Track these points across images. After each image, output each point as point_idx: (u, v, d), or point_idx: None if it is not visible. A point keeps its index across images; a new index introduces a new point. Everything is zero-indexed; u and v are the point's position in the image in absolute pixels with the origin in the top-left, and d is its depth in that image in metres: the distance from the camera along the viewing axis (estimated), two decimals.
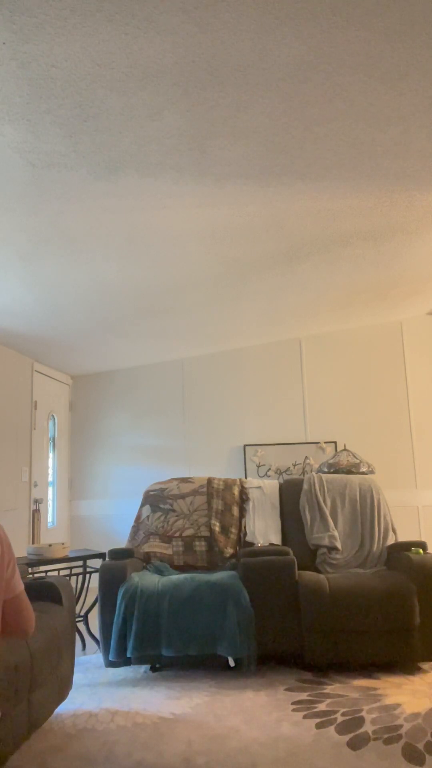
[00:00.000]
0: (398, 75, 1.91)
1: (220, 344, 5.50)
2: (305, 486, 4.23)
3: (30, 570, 3.83)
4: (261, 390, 5.49)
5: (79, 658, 3.62)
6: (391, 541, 4.03)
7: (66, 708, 2.87)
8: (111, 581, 3.43)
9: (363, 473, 4.59)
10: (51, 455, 5.56)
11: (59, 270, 3.29)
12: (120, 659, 3.27)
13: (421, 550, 3.66)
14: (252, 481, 4.42)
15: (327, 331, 5.54)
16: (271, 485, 4.35)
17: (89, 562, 4.15)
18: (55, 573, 4.03)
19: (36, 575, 3.97)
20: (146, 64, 1.76)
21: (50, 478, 5.51)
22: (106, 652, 3.33)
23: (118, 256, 3.19)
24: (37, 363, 5.23)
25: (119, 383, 5.87)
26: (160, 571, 3.75)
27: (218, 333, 5.15)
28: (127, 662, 3.29)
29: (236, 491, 4.27)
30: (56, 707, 2.72)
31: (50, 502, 5.47)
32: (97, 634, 3.68)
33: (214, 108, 1.99)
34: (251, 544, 3.96)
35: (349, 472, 4.59)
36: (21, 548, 4.70)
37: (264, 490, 4.30)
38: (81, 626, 4.12)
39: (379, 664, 3.32)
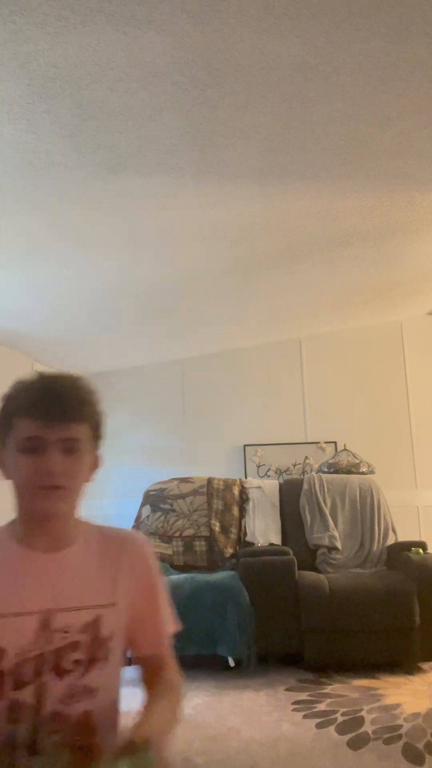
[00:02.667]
0: (398, 75, 1.91)
1: (220, 344, 5.49)
2: (305, 486, 4.23)
3: None
4: (261, 390, 5.48)
5: None
6: (391, 541, 4.03)
7: None
8: None
9: (363, 473, 4.59)
10: None
11: (59, 270, 3.28)
12: None
13: (421, 550, 3.66)
14: (252, 481, 4.42)
15: (327, 331, 5.53)
16: (271, 485, 4.35)
17: None
18: None
19: None
20: (146, 64, 1.76)
21: None
22: None
23: (118, 256, 3.19)
24: (37, 363, 5.23)
25: (119, 383, 5.86)
26: None
27: (218, 333, 5.14)
28: (127, 662, 3.29)
29: (236, 491, 4.27)
30: None
31: None
32: None
33: (214, 108, 1.99)
34: (251, 544, 3.96)
35: (349, 472, 4.59)
36: None
37: (264, 490, 4.29)
38: None
39: (379, 664, 3.32)
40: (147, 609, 1.04)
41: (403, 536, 4.18)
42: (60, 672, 0.92)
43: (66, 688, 0.92)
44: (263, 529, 4.08)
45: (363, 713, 2.71)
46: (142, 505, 4.26)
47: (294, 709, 2.78)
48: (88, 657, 0.94)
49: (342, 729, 2.55)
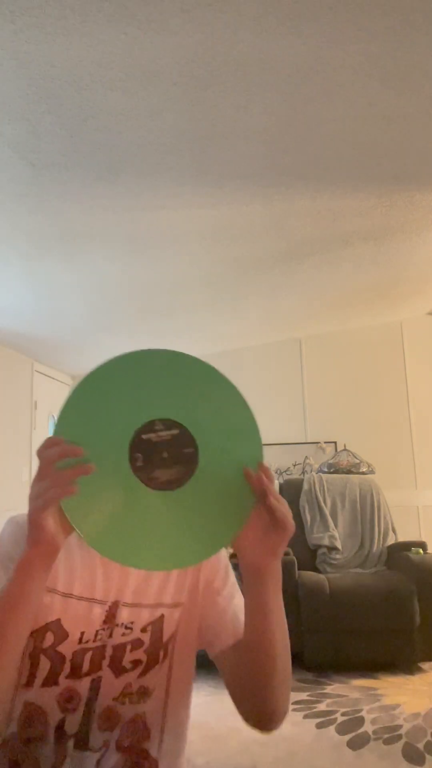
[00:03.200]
0: (398, 75, 1.91)
1: (220, 344, 5.50)
2: (305, 486, 4.23)
3: None
4: (261, 390, 5.48)
5: None
6: (391, 541, 4.03)
7: None
8: None
9: (363, 473, 4.59)
10: None
11: (59, 270, 3.29)
12: None
13: (421, 550, 3.67)
14: None
15: (327, 331, 5.54)
16: None
17: None
18: None
19: None
20: (146, 64, 1.76)
21: None
22: None
23: (118, 255, 3.19)
24: (37, 363, 5.23)
25: None
26: None
27: (218, 333, 5.14)
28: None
29: None
30: None
31: None
32: None
33: (214, 108, 1.99)
34: None
35: (349, 472, 4.59)
36: None
37: None
38: None
39: (379, 664, 3.32)
40: (220, 603, 0.94)
41: (403, 536, 4.18)
42: (117, 669, 0.89)
43: (121, 686, 0.89)
44: None
45: (363, 713, 2.71)
46: None
47: (294, 709, 2.78)
48: (147, 658, 0.90)
49: (342, 729, 2.55)
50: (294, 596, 3.34)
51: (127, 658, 0.89)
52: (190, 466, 0.74)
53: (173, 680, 0.93)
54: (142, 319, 4.46)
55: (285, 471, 5.25)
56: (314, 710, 2.76)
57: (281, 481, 4.45)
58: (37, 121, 1.97)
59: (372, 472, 4.71)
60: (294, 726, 2.60)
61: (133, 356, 0.80)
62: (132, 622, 0.90)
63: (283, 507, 0.76)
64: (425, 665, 3.37)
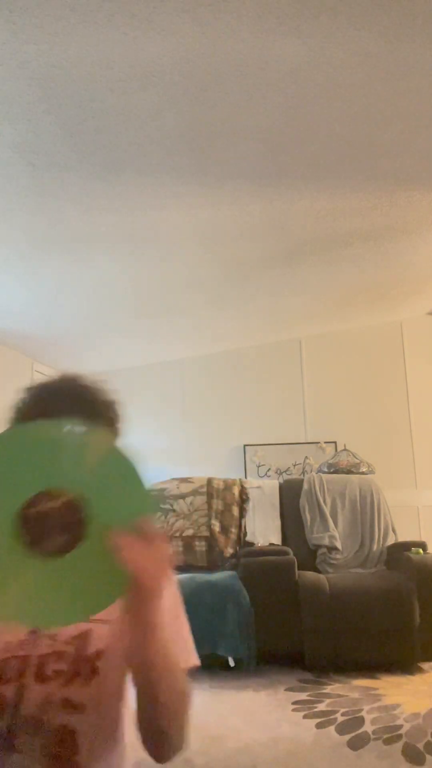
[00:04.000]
0: (398, 75, 1.91)
1: (220, 344, 5.50)
2: (305, 486, 4.23)
3: None
4: (261, 390, 5.49)
5: None
6: (391, 541, 4.03)
7: None
8: None
9: (363, 473, 4.59)
10: None
11: (59, 270, 3.29)
12: None
13: (421, 550, 3.66)
14: (252, 481, 4.42)
15: (327, 332, 5.54)
16: (271, 485, 4.35)
17: None
18: None
19: None
20: (146, 64, 1.76)
21: None
22: None
23: (118, 255, 3.19)
24: (37, 363, 5.23)
25: (119, 383, 5.86)
26: None
27: (218, 333, 5.15)
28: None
29: (236, 491, 4.27)
30: None
31: None
32: None
33: (214, 108, 1.99)
34: (251, 544, 3.96)
35: (349, 472, 4.59)
36: None
37: (264, 490, 4.29)
38: None
39: (379, 664, 3.31)
40: None
41: (403, 536, 4.18)
42: (41, 678, 0.91)
43: (44, 695, 0.90)
44: (263, 529, 4.08)
45: (363, 713, 2.71)
46: None
47: (294, 709, 2.78)
48: (69, 668, 0.92)
49: (342, 729, 2.55)
50: (294, 596, 3.34)
51: (50, 667, 0.91)
52: (79, 533, 0.76)
53: (104, 697, 0.94)
54: (142, 319, 4.47)
55: (285, 471, 5.25)
56: (314, 710, 2.76)
57: (281, 481, 4.45)
58: (37, 121, 1.97)
59: (372, 472, 4.70)
60: (294, 726, 2.60)
61: (19, 431, 0.82)
62: (56, 634, 0.93)
63: (143, 568, 0.73)
64: (425, 665, 3.36)
